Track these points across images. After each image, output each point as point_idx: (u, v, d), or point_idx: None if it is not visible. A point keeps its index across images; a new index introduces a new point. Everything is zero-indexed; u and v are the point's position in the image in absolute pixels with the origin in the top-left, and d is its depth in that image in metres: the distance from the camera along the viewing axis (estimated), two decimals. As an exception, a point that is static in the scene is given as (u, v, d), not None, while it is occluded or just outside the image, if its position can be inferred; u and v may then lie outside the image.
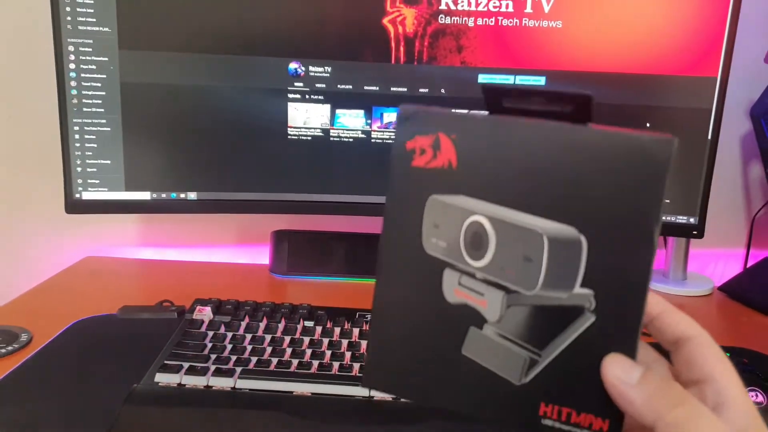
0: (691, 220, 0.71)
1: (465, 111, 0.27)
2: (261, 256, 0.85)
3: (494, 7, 0.67)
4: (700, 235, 0.71)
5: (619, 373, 0.24)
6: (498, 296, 0.26)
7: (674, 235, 0.78)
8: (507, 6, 0.67)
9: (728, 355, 0.54)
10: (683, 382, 0.26)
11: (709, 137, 0.69)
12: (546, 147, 0.25)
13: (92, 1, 0.66)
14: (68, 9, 0.65)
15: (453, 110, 0.26)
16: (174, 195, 0.71)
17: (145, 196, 0.71)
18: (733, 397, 0.24)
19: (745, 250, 0.87)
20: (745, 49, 0.72)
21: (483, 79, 0.69)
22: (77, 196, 0.69)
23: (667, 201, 0.71)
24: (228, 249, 0.88)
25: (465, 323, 0.27)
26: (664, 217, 0.76)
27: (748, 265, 0.86)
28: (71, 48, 0.66)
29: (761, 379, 0.50)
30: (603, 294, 0.25)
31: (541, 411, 0.26)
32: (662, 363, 0.28)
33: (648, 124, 0.69)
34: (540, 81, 0.69)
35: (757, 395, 0.49)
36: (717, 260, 0.89)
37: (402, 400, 0.49)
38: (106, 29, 0.67)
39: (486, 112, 0.27)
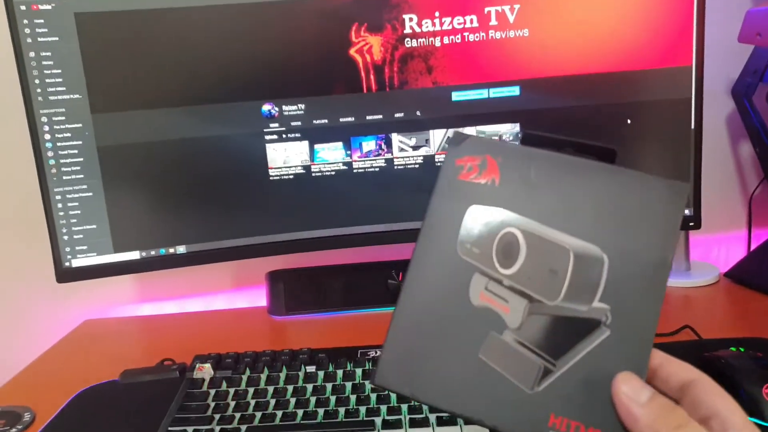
0: (687, 211, 0.70)
1: (511, 142, 0.30)
2: (259, 297, 0.84)
3: (459, 23, 0.67)
4: (698, 226, 0.70)
5: (629, 390, 0.25)
6: (521, 303, 0.28)
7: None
8: (472, 21, 0.67)
9: (742, 350, 0.53)
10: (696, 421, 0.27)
11: (693, 126, 0.68)
12: (578, 178, 0.29)
13: (60, 71, 0.66)
14: (37, 81, 0.65)
15: (498, 139, 0.29)
16: (163, 251, 0.71)
17: (134, 255, 0.70)
18: (735, 425, 0.25)
19: (747, 232, 0.86)
20: (716, 31, 0.71)
21: (457, 97, 0.68)
22: (67, 264, 0.69)
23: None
24: (226, 294, 0.87)
25: (486, 328, 0.28)
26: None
27: (752, 246, 0.85)
28: (44, 119, 0.66)
29: (779, 374, 0.49)
30: (619, 310, 0.27)
31: (550, 422, 0.26)
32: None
33: (629, 121, 0.69)
34: (514, 91, 0.68)
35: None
36: (720, 245, 0.88)
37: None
38: (77, 96, 0.66)
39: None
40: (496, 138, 0.30)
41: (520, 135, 0.31)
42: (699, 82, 0.67)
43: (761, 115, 0.77)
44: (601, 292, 0.27)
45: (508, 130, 0.69)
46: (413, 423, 0.48)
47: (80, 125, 0.67)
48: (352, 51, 0.67)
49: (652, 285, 0.27)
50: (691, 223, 0.70)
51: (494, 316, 0.28)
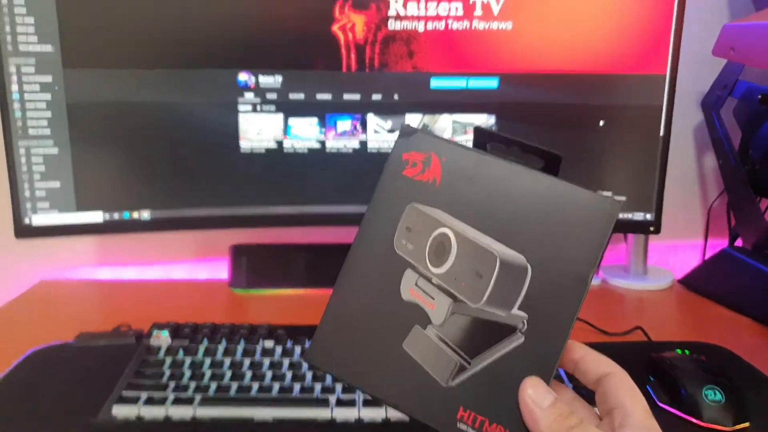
0: (648, 216, 0.72)
1: (458, 142, 0.31)
2: (221, 269, 0.83)
3: (444, 10, 0.67)
4: (657, 231, 0.72)
5: (534, 394, 0.27)
6: (446, 302, 0.29)
7: (632, 232, 0.79)
8: (456, 9, 0.67)
9: (687, 353, 0.55)
10: (602, 412, 0.30)
11: (662, 134, 0.70)
12: (515, 186, 0.29)
13: (33, 19, 0.63)
14: (8, 28, 0.63)
15: (449, 139, 0.30)
16: (127, 214, 0.70)
17: (97, 217, 0.69)
18: (634, 417, 0.27)
19: (703, 241, 0.89)
20: (693, 43, 0.72)
21: (435, 84, 0.68)
22: (27, 221, 0.67)
23: (624, 198, 0.72)
24: (187, 264, 0.86)
25: (411, 321, 0.30)
26: (620, 215, 0.77)
27: (706, 255, 0.88)
28: (13, 68, 0.64)
29: (718, 377, 0.51)
30: (535, 320, 0.28)
31: (458, 415, 0.28)
32: (584, 405, 0.31)
33: (601, 123, 0.70)
34: (492, 84, 0.69)
35: (715, 393, 0.49)
36: (676, 252, 0.91)
37: (366, 420, 0.48)
38: (49, 47, 0.64)
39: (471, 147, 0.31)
40: (445, 137, 0.31)
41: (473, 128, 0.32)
42: (671, 91, 0.69)
43: (727, 129, 0.79)
44: (520, 300, 0.28)
45: (483, 121, 0.70)
46: (367, 403, 0.49)
47: (50, 79, 0.65)
48: (335, 27, 0.66)
49: (569, 299, 0.28)
50: (652, 228, 0.72)
51: (420, 312, 0.30)
